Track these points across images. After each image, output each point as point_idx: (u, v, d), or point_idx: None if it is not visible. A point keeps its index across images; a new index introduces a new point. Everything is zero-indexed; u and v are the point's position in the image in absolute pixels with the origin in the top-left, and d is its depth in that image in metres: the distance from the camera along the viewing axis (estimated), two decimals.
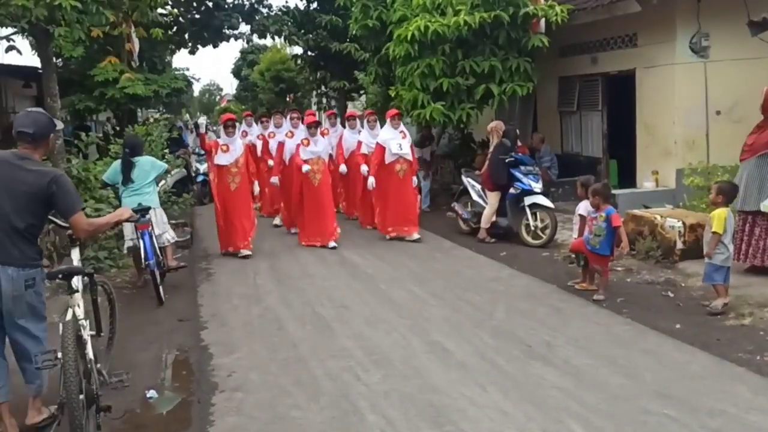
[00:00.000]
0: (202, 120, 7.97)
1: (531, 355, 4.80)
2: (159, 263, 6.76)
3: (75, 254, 4.22)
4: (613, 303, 5.95)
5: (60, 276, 3.87)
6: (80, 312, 3.87)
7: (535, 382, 4.33)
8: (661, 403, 3.94)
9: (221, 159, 8.41)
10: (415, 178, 9.35)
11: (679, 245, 7.05)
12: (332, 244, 8.78)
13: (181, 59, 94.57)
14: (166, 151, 12.33)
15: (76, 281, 3.94)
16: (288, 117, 10.51)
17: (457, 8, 10.06)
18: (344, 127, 10.87)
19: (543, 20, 10.08)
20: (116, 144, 10.59)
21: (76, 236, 4.13)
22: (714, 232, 5.48)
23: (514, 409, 3.95)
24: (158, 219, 7.13)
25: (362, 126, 10.42)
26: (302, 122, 9.91)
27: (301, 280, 7.27)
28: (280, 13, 19.09)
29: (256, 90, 31.87)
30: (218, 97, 62.50)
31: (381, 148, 9.01)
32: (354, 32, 12.79)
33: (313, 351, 5.06)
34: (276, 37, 19.79)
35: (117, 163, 7.24)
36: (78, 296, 3.91)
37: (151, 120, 18.84)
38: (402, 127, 9.16)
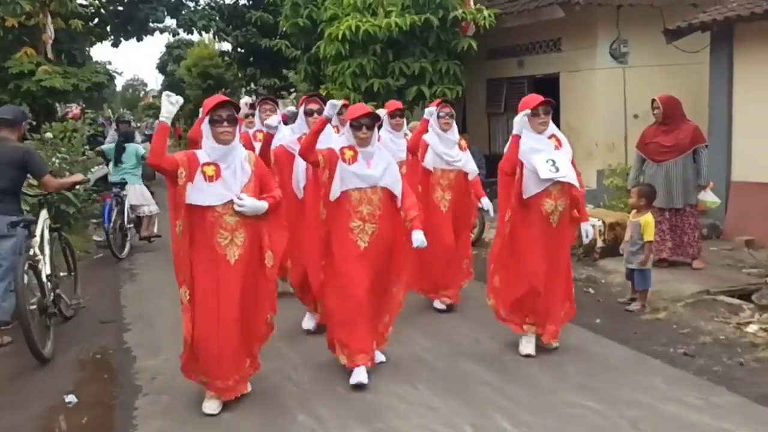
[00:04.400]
0: (172, 102, 3.93)
1: (460, 352, 4.89)
2: (122, 227, 8.56)
3: (43, 214, 5.59)
4: None
5: (20, 224, 5.19)
6: (37, 251, 5.21)
7: (464, 379, 4.41)
8: (582, 395, 4.09)
9: (200, 195, 3.86)
10: (589, 228, 4.82)
11: (600, 243, 7.32)
12: (379, 357, 4.63)
13: (102, 52, 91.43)
14: (87, 147, 11.86)
15: (37, 230, 5.32)
16: (303, 109, 5.31)
17: (388, 9, 10.13)
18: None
19: (472, 23, 10.27)
20: (32, 140, 10.14)
21: (47, 191, 5.73)
22: (648, 242, 5.68)
23: (443, 404, 4.01)
24: (137, 193, 8.98)
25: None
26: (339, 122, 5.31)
27: None
28: (208, 8, 18.74)
29: (182, 86, 31.14)
30: (142, 92, 60.74)
31: (511, 166, 4.65)
32: (284, 30, 12.69)
33: None
34: (203, 33, 19.44)
35: (113, 145, 9.38)
36: (36, 240, 5.27)
37: (70, 115, 18.10)
38: (553, 128, 4.74)
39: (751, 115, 7.90)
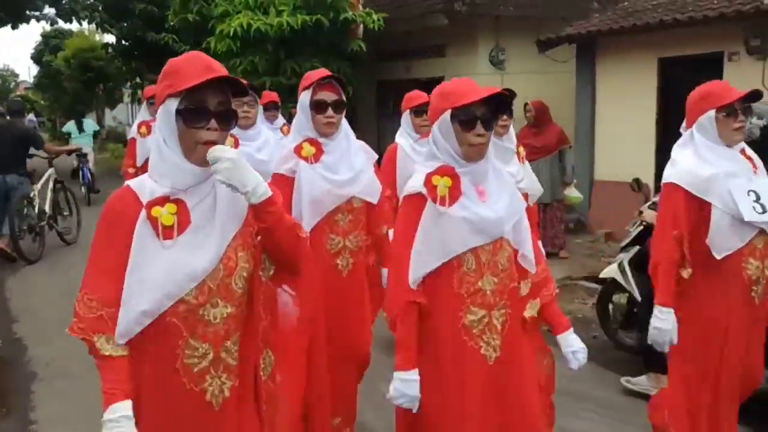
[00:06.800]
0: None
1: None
2: (90, 185, 12.07)
3: (50, 170, 8.54)
4: None
5: (26, 175, 7.84)
6: (36, 194, 7.98)
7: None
8: None
9: (146, 285, 1.75)
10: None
11: None
12: None
13: None
14: None
15: (41, 180, 8.33)
16: (307, 99, 2.95)
17: (280, 8, 10.32)
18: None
19: (361, 26, 10.65)
20: None
21: (48, 158, 8.45)
22: None
23: None
24: (91, 156, 12.83)
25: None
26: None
27: None
28: None
29: (60, 78, 29.59)
30: (13, 83, 56.96)
31: (687, 205, 2.74)
32: (172, 24, 12.54)
33: None
34: (85, 23, 18.70)
35: (72, 122, 13.64)
36: (37, 186, 8.13)
37: None
38: (742, 144, 2.82)
39: (611, 120, 8.80)
